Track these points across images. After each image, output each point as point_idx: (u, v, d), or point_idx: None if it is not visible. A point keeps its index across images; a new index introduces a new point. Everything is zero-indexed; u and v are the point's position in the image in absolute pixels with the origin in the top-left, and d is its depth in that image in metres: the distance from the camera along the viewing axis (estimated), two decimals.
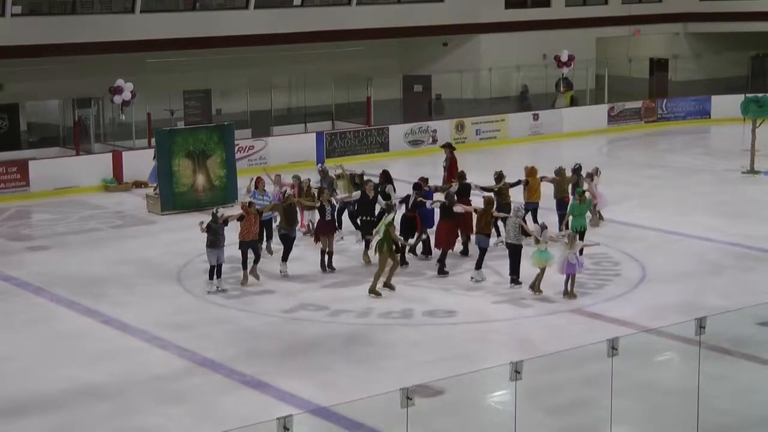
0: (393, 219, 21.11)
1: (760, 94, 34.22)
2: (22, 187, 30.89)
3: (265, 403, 15.98)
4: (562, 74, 43.55)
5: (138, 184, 31.64)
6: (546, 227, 21.00)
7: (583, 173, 25.39)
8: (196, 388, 16.64)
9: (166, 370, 17.44)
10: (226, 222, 21.54)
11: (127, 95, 33.78)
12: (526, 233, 21.19)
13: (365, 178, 24.60)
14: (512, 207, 22.31)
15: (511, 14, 47.51)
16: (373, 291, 20.92)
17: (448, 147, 28.09)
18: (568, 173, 24.98)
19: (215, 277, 21.30)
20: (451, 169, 26.78)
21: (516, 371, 12.28)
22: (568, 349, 16.54)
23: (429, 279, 22.00)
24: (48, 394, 16.44)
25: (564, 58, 42.63)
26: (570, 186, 24.60)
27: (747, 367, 16.83)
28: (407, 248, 22.97)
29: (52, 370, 17.51)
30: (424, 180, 23.85)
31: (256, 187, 23.77)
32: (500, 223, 23.54)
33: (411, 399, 11.48)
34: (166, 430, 15.23)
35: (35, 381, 17.03)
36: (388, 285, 21.05)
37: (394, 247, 21.03)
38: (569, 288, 20.62)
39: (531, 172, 24.84)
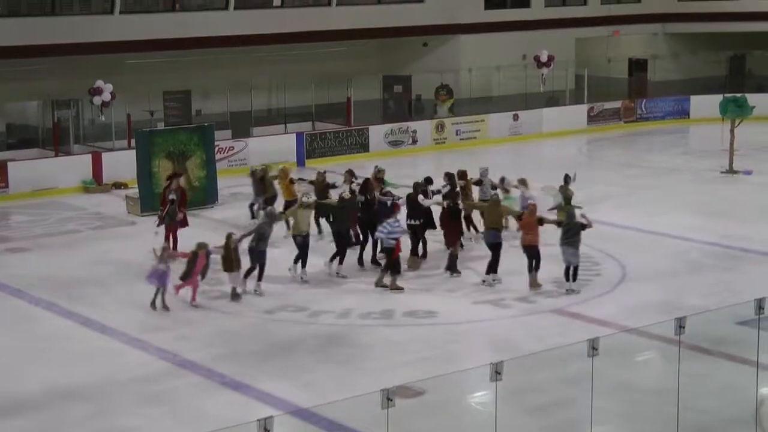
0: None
1: (738, 94, 34.36)
2: (1, 188, 30.73)
3: (246, 404, 15.95)
4: (441, 82, 43.05)
5: (117, 186, 31.53)
6: (504, 178, 25.11)
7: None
8: (176, 390, 16.59)
9: (146, 371, 17.38)
10: None
11: (106, 96, 33.68)
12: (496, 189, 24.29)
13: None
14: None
15: (491, 15, 47.61)
16: None
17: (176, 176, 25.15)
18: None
19: None
20: (183, 200, 24.49)
21: (496, 372, 12.28)
22: (548, 350, 16.59)
23: (409, 280, 21.96)
24: (27, 396, 16.35)
25: (543, 58, 42.70)
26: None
27: (726, 366, 16.87)
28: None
29: (32, 372, 17.43)
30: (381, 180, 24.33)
31: (389, 216, 21.78)
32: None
33: (391, 400, 11.47)
34: (146, 431, 15.18)
35: (14, 383, 16.95)
36: None
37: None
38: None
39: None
